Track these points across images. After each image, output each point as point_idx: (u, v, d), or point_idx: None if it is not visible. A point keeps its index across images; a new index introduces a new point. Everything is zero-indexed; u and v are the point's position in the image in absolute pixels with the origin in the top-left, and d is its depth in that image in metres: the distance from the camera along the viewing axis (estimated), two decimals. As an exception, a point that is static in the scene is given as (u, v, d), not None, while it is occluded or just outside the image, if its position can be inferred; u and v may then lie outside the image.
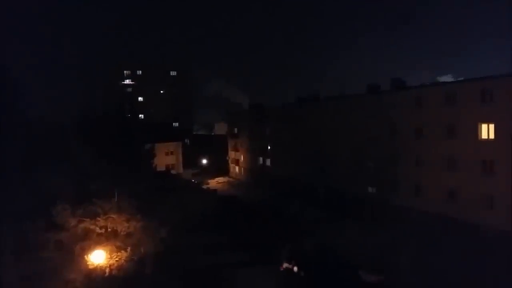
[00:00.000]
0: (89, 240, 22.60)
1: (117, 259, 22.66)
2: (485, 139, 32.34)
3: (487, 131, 32.24)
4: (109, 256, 22.54)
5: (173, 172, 62.71)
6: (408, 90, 41.09)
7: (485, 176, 32.17)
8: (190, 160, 77.78)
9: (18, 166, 24.02)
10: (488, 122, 32.05)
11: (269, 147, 66.53)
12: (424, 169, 37.66)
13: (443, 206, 35.50)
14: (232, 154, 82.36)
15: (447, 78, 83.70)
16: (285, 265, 29.55)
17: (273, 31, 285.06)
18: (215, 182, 74.41)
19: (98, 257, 22.04)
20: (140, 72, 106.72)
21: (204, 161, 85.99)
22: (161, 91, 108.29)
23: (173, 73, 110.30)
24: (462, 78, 48.44)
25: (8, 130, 24.33)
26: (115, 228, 23.51)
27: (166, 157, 66.27)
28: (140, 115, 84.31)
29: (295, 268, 28.84)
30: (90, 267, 21.98)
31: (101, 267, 22.19)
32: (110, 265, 22.41)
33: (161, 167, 54.18)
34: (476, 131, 32.84)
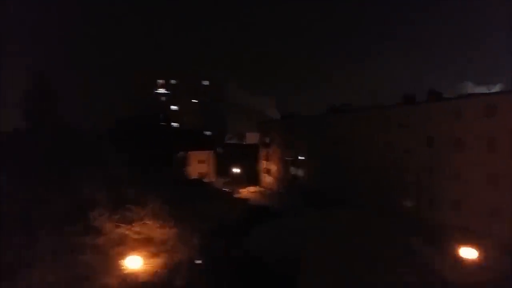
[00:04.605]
0: (124, 245, 22.99)
1: (151, 265, 22.92)
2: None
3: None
4: (144, 262, 22.82)
5: (205, 180, 63.11)
6: (446, 101, 39.98)
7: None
8: (222, 169, 78.10)
9: (58, 172, 24.85)
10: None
11: (300, 157, 66.07)
12: (461, 184, 36.39)
13: (482, 222, 34.14)
14: (263, 164, 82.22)
15: (467, 86, 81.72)
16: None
17: (300, 38, 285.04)
18: (247, 192, 74.32)
19: (133, 263, 22.31)
20: (174, 81, 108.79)
21: (236, 170, 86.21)
22: (194, 100, 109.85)
23: (205, 82, 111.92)
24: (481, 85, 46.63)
25: (48, 137, 25.24)
26: (149, 234, 23.84)
27: (199, 165, 66.96)
28: (173, 124, 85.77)
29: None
30: (125, 272, 22.31)
31: (136, 272, 22.48)
32: (145, 271, 22.68)
33: (194, 175, 54.76)
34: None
